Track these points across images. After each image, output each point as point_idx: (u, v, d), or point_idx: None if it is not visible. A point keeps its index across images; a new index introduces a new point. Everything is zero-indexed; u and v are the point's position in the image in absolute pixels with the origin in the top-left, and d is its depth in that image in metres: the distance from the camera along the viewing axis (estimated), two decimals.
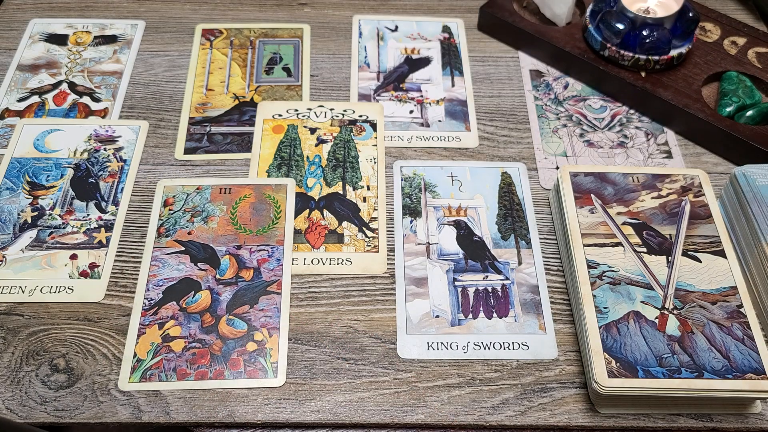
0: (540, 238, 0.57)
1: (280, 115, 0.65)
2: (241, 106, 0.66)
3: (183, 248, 0.55)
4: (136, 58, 0.70)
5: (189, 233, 0.56)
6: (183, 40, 0.72)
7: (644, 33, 0.64)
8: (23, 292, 0.52)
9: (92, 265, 0.54)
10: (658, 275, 0.50)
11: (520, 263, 0.55)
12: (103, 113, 0.65)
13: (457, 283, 0.54)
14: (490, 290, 0.53)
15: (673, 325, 0.47)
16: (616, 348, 0.46)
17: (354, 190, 0.60)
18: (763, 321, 0.51)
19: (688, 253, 0.51)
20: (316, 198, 0.59)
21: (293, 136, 0.63)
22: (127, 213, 0.58)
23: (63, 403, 0.47)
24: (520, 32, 0.71)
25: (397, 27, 0.74)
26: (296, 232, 0.56)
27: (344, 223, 0.57)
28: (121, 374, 0.48)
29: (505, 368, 0.49)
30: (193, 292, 0.52)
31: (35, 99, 0.66)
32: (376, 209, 0.58)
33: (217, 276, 0.53)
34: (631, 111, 0.67)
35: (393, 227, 0.57)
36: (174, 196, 0.58)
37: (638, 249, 0.51)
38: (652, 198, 0.54)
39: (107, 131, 0.63)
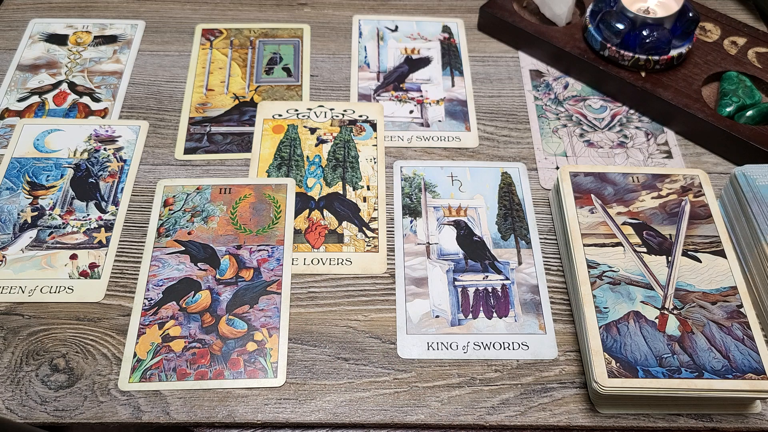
0: (540, 238, 0.57)
1: (280, 115, 0.65)
2: (241, 106, 0.66)
3: (183, 248, 0.55)
4: (136, 58, 0.70)
5: (189, 233, 0.56)
6: (183, 40, 0.72)
7: (644, 33, 0.64)
8: (23, 292, 0.52)
9: (92, 265, 0.54)
10: (658, 275, 0.50)
11: (520, 263, 0.55)
12: (103, 113, 0.65)
13: (457, 283, 0.54)
14: (490, 290, 0.53)
15: (673, 325, 0.47)
16: (616, 348, 0.46)
17: (354, 190, 0.60)
18: (763, 321, 0.51)
19: (688, 253, 0.51)
20: (316, 198, 0.59)
21: (293, 136, 0.63)
22: (127, 213, 0.58)
23: (63, 403, 0.47)
24: (520, 32, 0.71)
25: (397, 27, 0.74)
26: (296, 232, 0.56)
27: (344, 223, 0.57)
28: (121, 374, 0.48)
29: (505, 368, 0.49)
30: (193, 292, 0.52)
31: (35, 99, 0.66)
32: (376, 209, 0.58)
33: (217, 276, 0.53)
34: (631, 111, 0.67)
35: (393, 227, 0.57)
36: (174, 196, 0.58)
37: (638, 249, 0.51)
38: (652, 198, 0.54)
39: (107, 131, 0.63)
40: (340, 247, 0.56)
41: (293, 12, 0.76)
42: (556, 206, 0.57)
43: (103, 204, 0.58)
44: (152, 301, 0.52)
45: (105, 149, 0.62)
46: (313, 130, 0.64)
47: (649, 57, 0.65)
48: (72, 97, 0.66)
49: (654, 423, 0.47)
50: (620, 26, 0.64)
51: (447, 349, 0.50)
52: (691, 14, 0.64)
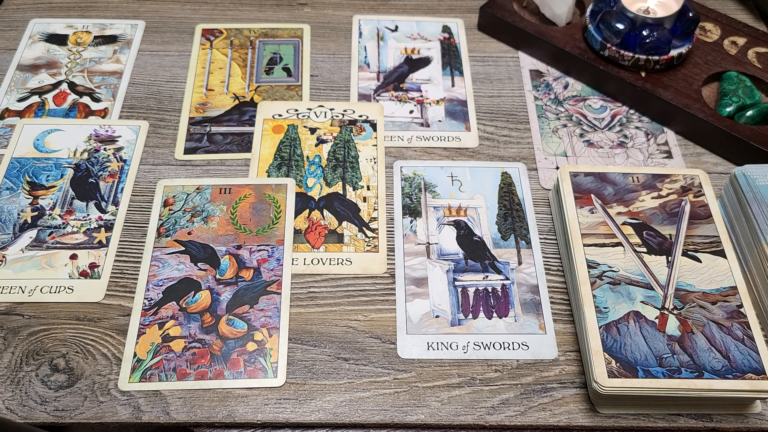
0: (540, 238, 0.57)
1: (280, 115, 0.65)
2: (241, 106, 0.66)
3: (183, 248, 0.55)
4: (136, 58, 0.70)
5: (189, 233, 0.56)
6: (183, 40, 0.72)
7: (644, 33, 0.64)
8: (23, 292, 0.52)
9: (92, 265, 0.54)
10: (658, 275, 0.50)
11: (520, 263, 0.55)
12: (103, 113, 0.65)
13: (457, 283, 0.54)
14: (490, 290, 0.53)
15: (673, 325, 0.47)
16: (616, 348, 0.46)
17: (354, 190, 0.60)
18: (763, 321, 0.51)
19: (688, 253, 0.51)
20: (316, 198, 0.59)
21: (293, 136, 0.63)
22: (127, 213, 0.58)
23: (63, 403, 0.47)
24: (520, 32, 0.71)
25: (397, 27, 0.74)
26: (296, 232, 0.56)
27: (344, 223, 0.57)
28: (121, 374, 0.48)
29: (505, 368, 0.49)
30: (193, 292, 0.52)
31: (35, 99, 0.66)
32: (376, 209, 0.58)
33: (217, 276, 0.53)
34: (631, 111, 0.67)
35: (393, 227, 0.57)
36: (174, 196, 0.58)
37: (638, 249, 0.51)
38: (652, 198, 0.54)
39: (107, 131, 0.63)
40: (340, 247, 0.56)
41: (293, 12, 0.76)
42: (556, 206, 0.57)
43: (103, 204, 0.58)
44: (152, 301, 0.52)
45: (105, 149, 0.62)
46: (313, 130, 0.64)
47: (649, 57, 0.65)
48: (72, 97, 0.66)
49: (654, 423, 0.47)
50: (620, 26, 0.64)
51: (447, 349, 0.50)
52: (691, 14, 0.64)
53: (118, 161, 0.61)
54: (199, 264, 0.54)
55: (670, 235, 0.52)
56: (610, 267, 0.50)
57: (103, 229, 0.56)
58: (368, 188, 0.60)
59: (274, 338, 0.50)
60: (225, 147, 0.63)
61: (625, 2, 0.65)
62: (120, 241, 0.56)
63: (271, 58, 0.71)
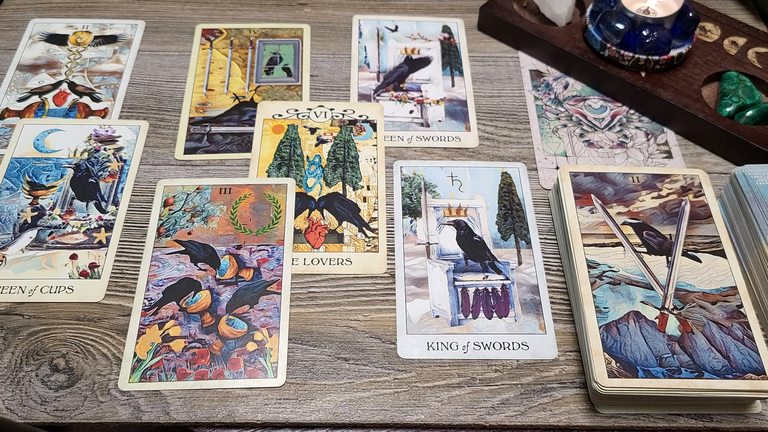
0: (540, 238, 0.57)
1: (280, 115, 0.65)
2: (241, 106, 0.66)
3: (183, 248, 0.55)
4: (136, 58, 0.70)
5: (189, 233, 0.56)
6: (183, 40, 0.72)
7: (644, 33, 0.64)
8: (23, 292, 0.52)
9: (92, 265, 0.54)
10: (658, 275, 0.50)
11: (520, 263, 0.55)
12: (103, 113, 0.65)
13: (457, 283, 0.54)
14: (490, 290, 0.53)
15: (673, 325, 0.47)
16: (616, 348, 0.46)
17: (354, 190, 0.60)
18: (763, 321, 0.51)
19: (688, 253, 0.51)
20: (316, 198, 0.59)
21: (293, 136, 0.63)
22: (127, 213, 0.58)
23: (63, 403, 0.47)
24: (520, 32, 0.71)
25: (397, 27, 0.74)
26: (296, 232, 0.56)
27: (344, 223, 0.57)
28: (121, 374, 0.48)
29: (505, 368, 0.49)
30: (193, 292, 0.52)
31: (35, 99, 0.66)
32: (376, 209, 0.58)
33: (217, 276, 0.53)
34: (631, 111, 0.67)
35: (393, 227, 0.57)
36: (174, 196, 0.58)
37: (638, 249, 0.51)
38: (652, 198, 0.54)
39: (107, 131, 0.63)
40: (340, 247, 0.56)
41: (293, 12, 0.76)
42: (556, 206, 0.57)
43: (103, 204, 0.58)
44: (152, 301, 0.52)
45: (105, 149, 0.62)
46: (313, 130, 0.64)
47: (649, 57, 0.65)
48: (72, 97, 0.66)
49: (654, 423, 0.47)
50: (620, 26, 0.64)
51: (447, 349, 0.50)
52: (691, 14, 0.64)
53: (118, 161, 0.61)
54: (199, 264, 0.54)
55: (670, 235, 0.52)
56: (610, 267, 0.50)
57: (103, 229, 0.56)
58: (368, 188, 0.60)
59: (274, 338, 0.50)
60: (225, 147, 0.63)
61: (625, 2, 0.65)
62: (120, 241, 0.56)
63: (271, 58, 0.71)
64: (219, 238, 0.55)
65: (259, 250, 0.55)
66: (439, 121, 0.65)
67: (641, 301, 0.48)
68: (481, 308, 0.52)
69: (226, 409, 0.47)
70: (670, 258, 0.51)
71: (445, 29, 0.74)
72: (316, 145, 0.63)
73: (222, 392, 0.48)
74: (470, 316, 0.52)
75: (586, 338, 0.47)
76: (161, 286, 0.53)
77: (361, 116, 0.65)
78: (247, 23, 0.74)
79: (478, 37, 0.74)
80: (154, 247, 0.55)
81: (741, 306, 0.48)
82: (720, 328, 0.47)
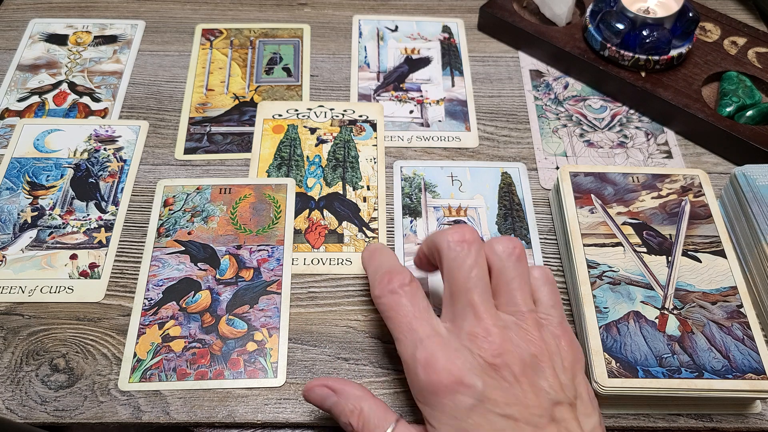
0: (540, 238, 0.57)
1: (280, 115, 0.65)
2: (241, 106, 0.66)
3: (183, 248, 0.55)
4: (136, 58, 0.70)
5: (189, 233, 0.56)
6: (183, 40, 0.72)
7: (644, 33, 0.64)
8: (23, 292, 0.52)
9: (92, 265, 0.54)
10: (658, 275, 0.50)
11: None
12: (103, 113, 0.65)
13: None
14: None
15: (673, 325, 0.47)
16: (616, 348, 0.46)
17: (354, 190, 0.60)
18: (763, 321, 0.51)
19: (688, 253, 0.51)
20: (316, 198, 0.59)
21: (293, 136, 0.63)
22: (127, 213, 0.58)
23: (63, 403, 0.47)
24: (520, 32, 0.71)
25: (397, 27, 0.74)
26: (296, 232, 0.56)
27: (344, 223, 0.57)
28: (121, 374, 0.48)
29: None
30: (193, 292, 0.52)
31: (35, 99, 0.66)
32: (376, 209, 0.58)
33: (217, 276, 0.53)
34: (631, 111, 0.67)
35: (393, 227, 0.57)
36: (174, 196, 0.58)
37: (638, 249, 0.51)
38: (652, 198, 0.54)
39: (107, 131, 0.63)
40: (340, 247, 0.56)
41: (293, 12, 0.76)
42: (556, 206, 0.57)
43: (103, 204, 0.58)
44: (152, 301, 0.52)
45: (105, 149, 0.62)
46: (313, 130, 0.64)
47: (649, 57, 0.65)
48: (72, 97, 0.66)
49: (654, 423, 0.47)
50: (620, 26, 0.64)
51: None
52: (691, 14, 0.64)
53: (118, 161, 0.61)
54: (199, 264, 0.54)
55: (670, 235, 0.52)
56: (610, 267, 0.50)
57: (103, 229, 0.56)
58: (368, 188, 0.60)
59: (274, 338, 0.50)
60: (225, 147, 0.63)
61: (625, 2, 0.65)
62: (120, 241, 0.56)
63: (271, 58, 0.71)
64: (219, 238, 0.55)
65: (259, 250, 0.55)
66: (439, 121, 0.65)
67: (641, 301, 0.48)
68: None
69: (226, 409, 0.47)
70: (670, 258, 0.51)
71: (445, 29, 0.74)
72: (316, 145, 0.63)
73: (222, 392, 0.48)
74: None
75: (586, 338, 0.47)
76: (161, 286, 0.53)
77: (361, 116, 0.65)
78: (247, 23, 0.74)
79: (478, 37, 0.74)
80: (154, 247, 0.55)
81: (741, 306, 0.48)
82: (720, 328, 0.47)
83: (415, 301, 0.41)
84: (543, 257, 0.56)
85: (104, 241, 0.56)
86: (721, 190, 0.59)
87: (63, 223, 0.56)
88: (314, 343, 0.50)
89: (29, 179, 0.59)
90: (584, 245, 0.52)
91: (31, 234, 0.56)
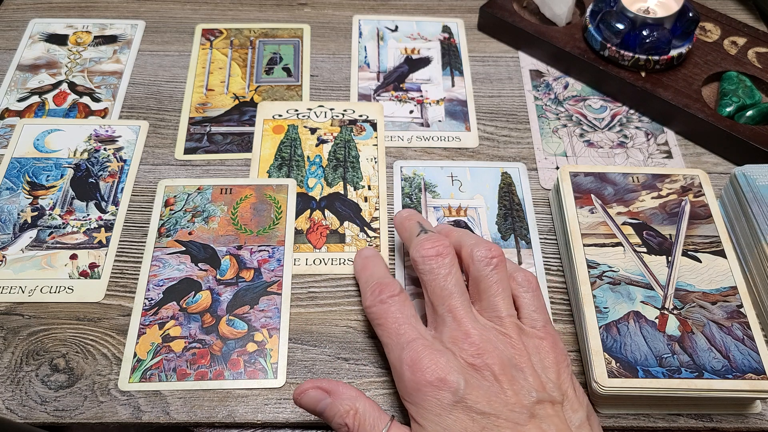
0: (540, 238, 0.57)
1: (280, 115, 0.65)
2: (241, 106, 0.66)
3: (184, 248, 0.55)
4: (136, 58, 0.70)
5: (190, 233, 0.56)
6: (183, 40, 0.72)
7: (644, 33, 0.64)
8: (23, 292, 0.52)
9: (92, 265, 0.54)
10: (658, 275, 0.50)
11: (520, 263, 0.55)
12: (103, 113, 0.65)
13: None
14: None
15: (673, 325, 0.47)
16: (616, 348, 0.46)
17: (355, 190, 0.60)
18: (763, 321, 0.51)
19: (688, 253, 0.51)
20: (317, 198, 0.59)
21: (293, 136, 0.63)
22: (127, 213, 0.58)
23: (63, 403, 0.47)
24: (520, 32, 0.71)
25: (397, 27, 0.74)
26: (298, 232, 0.56)
27: (346, 223, 0.57)
28: (121, 374, 0.48)
29: None
30: (193, 293, 0.52)
31: (35, 99, 0.66)
32: (377, 209, 0.58)
33: (218, 276, 0.53)
34: (631, 111, 0.67)
35: (393, 227, 0.57)
36: (175, 196, 0.58)
37: (638, 249, 0.51)
38: (652, 198, 0.54)
39: (107, 131, 0.63)
40: (342, 247, 0.56)
41: (293, 12, 0.76)
42: (556, 206, 0.57)
43: (103, 204, 0.58)
44: (152, 301, 0.52)
45: (105, 149, 0.62)
46: (313, 130, 0.64)
47: (649, 57, 0.65)
48: (72, 97, 0.66)
49: (654, 423, 0.47)
50: (620, 26, 0.64)
51: None
52: (691, 14, 0.64)
53: (118, 161, 0.61)
54: (199, 264, 0.54)
55: (670, 235, 0.52)
56: (610, 267, 0.50)
57: (103, 229, 0.56)
58: (369, 188, 0.60)
59: (274, 339, 0.50)
60: (225, 147, 0.63)
61: (625, 2, 0.65)
62: (120, 241, 0.56)
63: (271, 58, 0.71)
64: (220, 239, 0.55)
65: (260, 251, 0.55)
66: (439, 121, 0.65)
67: (641, 301, 0.48)
68: None
69: (226, 409, 0.47)
70: (670, 258, 0.51)
71: (445, 29, 0.74)
72: (317, 145, 0.63)
73: (222, 392, 0.48)
74: None
75: (586, 338, 0.47)
76: (161, 286, 0.53)
77: (361, 116, 0.65)
78: (247, 23, 0.74)
79: (478, 37, 0.74)
80: (154, 247, 0.55)
81: (741, 306, 0.48)
82: (720, 328, 0.47)
83: (403, 310, 0.44)
84: (543, 257, 0.56)
85: (104, 241, 0.56)
86: (721, 190, 0.59)
87: (63, 223, 0.56)
88: (314, 343, 0.50)
89: (29, 179, 0.59)
90: (584, 245, 0.52)
91: (31, 234, 0.56)
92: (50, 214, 0.57)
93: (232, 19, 0.75)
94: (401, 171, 0.61)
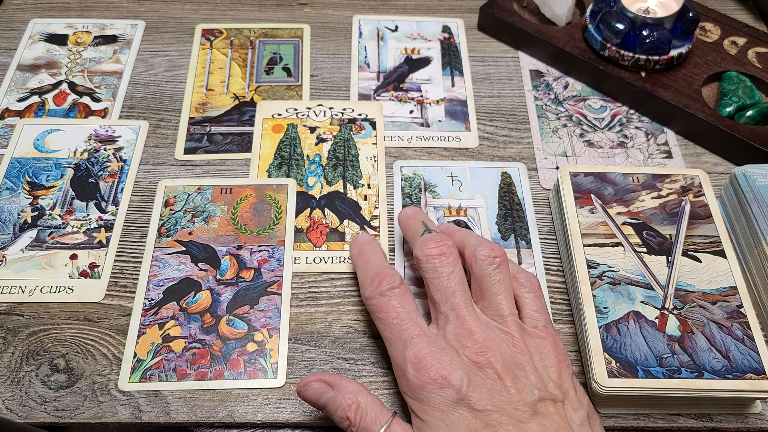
0: (540, 238, 0.57)
1: (279, 115, 0.65)
2: (241, 106, 0.66)
3: (184, 248, 0.55)
4: (136, 58, 0.70)
5: (190, 233, 0.56)
6: (183, 40, 0.72)
7: (644, 33, 0.64)
8: (23, 292, 0.52)
9: (92, 265, 0.54)
10: (658, 275, 0.50)
11: (520, 263, 0.55)
12: (103, 113, 0.65)
13: None
14: None
15: (673, 325, 0.47)
16: (616, 348, 0.46)
17: (355, 188, 0.60)
18: (763, 321, 0.51)
19: (688, 253, 0.51)
20: (317, 197, 0.59)
21: (293, 136, 0.63)
22: (127, 213, 0.58)
23: (63, 403, 0.47)
24: (520, 32, 0.71)
25: (397, 27, 0.74)
26: (298, 230, 0.56)
27: (346, 222, 0.57)
28: (121, 374, 0.48)
29: None
30: (193, 293, 0.52)
31: (35, 99, 0.66)
32: (377, 207, 0.58)
33: (218, 276, 0.53)
34: (631, 111, 0.67)
35: (393, 227, 0.57)
36: (175, 196, 0.58)
37: (638, 249, 0.51)
38: (652, 198, 0.54)
39: (107, 131, 0.63)
40: (342, 245, 0.56)
41: (293, 12, 0.76)
42: (556, 206, 0.57)
43: (103, 204, 0.58)
44: (152, 301, 0.52)
45: (105, 149, 0.62)
46: (312, 129, 0.64)
47: (649, 57, 0.65)
48: (72, 97, 0.66)
49: (654, 423, 0.47)
50: (620, 26, 0.64)
51: None
52: (691, 14, 0.64)
53: (118, 161, 0.61)
54: (199, 264, 0.54)
55: (670, 235, 0.52)
56: (610, 267, 0.50)
57: (103, 229, 0.56)
58: (369, 186, 0.60)
59: (274, 339, 0.50)
60: (225, 147, 0.63)
61: (625, 2, 0.65)
62: (120, 241, 0.56)
63: (271, 58, 0.71)
64: (220, 239, 0.55)
65: (260, 251, 0.55)
66: (439, 121, 0.65)
67: (641, 301, 0.48)
68: None
69: (226, 409, 0.47)
70: (670, 258, 0.51)
71: (445, 29, 0.74)
72: (316, 144, 0.63)
73: (222, 392, 0.48)
74: None
75: (586, 338, 0.47)
76: (161, 286, 0.53)
77: (360, 114, 0.65)
78: (247, 23, 0.74)
79: (478, 37, 0.74)
80: (154, 247, 0.55)
81: (741, 306, 0.48)
82: (720, 328, 0.47)
83: (404, 303, 0.44)
84: (543, 257, 0.56)
85: (104, 241, 0.56)
86: (721, 190, 0.59)
87: (63, 223, 0.56)
88: (314, 343, 0.50)
89: (29, 179, 0.59)
90: (584, 245, 0.52)
91: (31, 234, 0.56)
92: (50, 214, 0.57)
93: (232, 19, 0.75)
94: (401, 171, 0.61)
